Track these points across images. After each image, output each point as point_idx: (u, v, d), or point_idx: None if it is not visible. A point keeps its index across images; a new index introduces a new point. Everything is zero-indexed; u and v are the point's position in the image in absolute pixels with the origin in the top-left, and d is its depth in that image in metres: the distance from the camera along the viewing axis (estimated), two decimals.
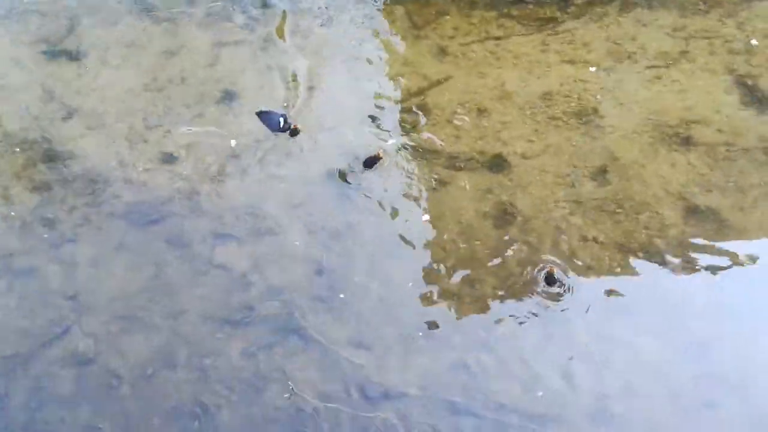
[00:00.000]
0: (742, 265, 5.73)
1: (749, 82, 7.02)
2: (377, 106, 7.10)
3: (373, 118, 6.97)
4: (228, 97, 7.23)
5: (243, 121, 6.98)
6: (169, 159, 6.71)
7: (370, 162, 6.49)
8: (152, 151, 6.79)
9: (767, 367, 5.11)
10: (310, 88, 7.30)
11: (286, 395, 5.22)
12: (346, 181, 6.43)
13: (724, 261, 5.76)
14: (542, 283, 5.67)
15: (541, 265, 5.79)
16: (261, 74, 7.44)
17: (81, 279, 5.89)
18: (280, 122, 6.81)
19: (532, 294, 5.65)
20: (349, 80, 7.35)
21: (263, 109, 6.96)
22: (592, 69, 7.23)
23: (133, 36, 7.86)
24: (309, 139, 6.80)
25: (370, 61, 7.52)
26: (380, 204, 6.30)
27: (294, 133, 6.77)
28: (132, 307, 5.72)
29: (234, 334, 5.55)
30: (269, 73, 7.45)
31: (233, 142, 6.78)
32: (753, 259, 5.77)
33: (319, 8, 8.08)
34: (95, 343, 5.54)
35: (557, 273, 5.63)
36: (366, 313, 5.62)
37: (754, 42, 6.84)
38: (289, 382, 5.27)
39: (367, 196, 6.35)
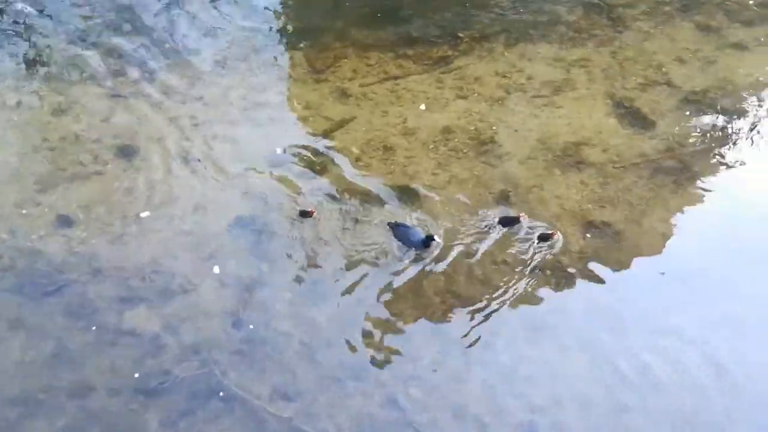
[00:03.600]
0: (637, 273, 6.14)
1: (626, 104, 7.68)
2: (283, 151, 7.09)
3: (280, 163, 6.96)
4: (127, 152, 6.98)
5: (146, 175, 6.75)
6: (65, 222, 6.33)
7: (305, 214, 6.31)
8: (46, 215, 6.38)
9: (668, 370, 5.44)
10: (213, 137, 7.19)
11: None
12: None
13: (621, 270, 6.15)
14: (536, 241, 6.20)
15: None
16: (161, 126, 7.25)
17: None
18: (420, 239, 6.09)
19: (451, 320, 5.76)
20: (251, 127, 7.31)
21: (398, 221, 6.29)
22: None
23: (20, 96, 7.45)
24: (214, 189, 6.66)
25: (272, 107, 7.54)
26: (294, 249, 6.24)
27: (428, 241, 6.06)
28: (32, 388, 5.24)
29: (150, 404, 5.21)
30: (169, 125, 7.28)
31: (144, 214, 6.43)
32: (647, 266, 6.20)
33: (216, 58, 8.05)
34: None
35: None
36: (290, 362, 5.47)
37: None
38: None
39: (279, 242, 6.27)
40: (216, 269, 6.02)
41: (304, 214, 6.40)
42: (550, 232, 6.23)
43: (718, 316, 5.79)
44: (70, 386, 5.27)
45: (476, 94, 7.76)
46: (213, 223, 6.39)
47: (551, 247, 6.20)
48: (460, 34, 8.45)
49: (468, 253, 6.21)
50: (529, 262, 6.13)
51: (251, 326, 5.66)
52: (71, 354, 5.45)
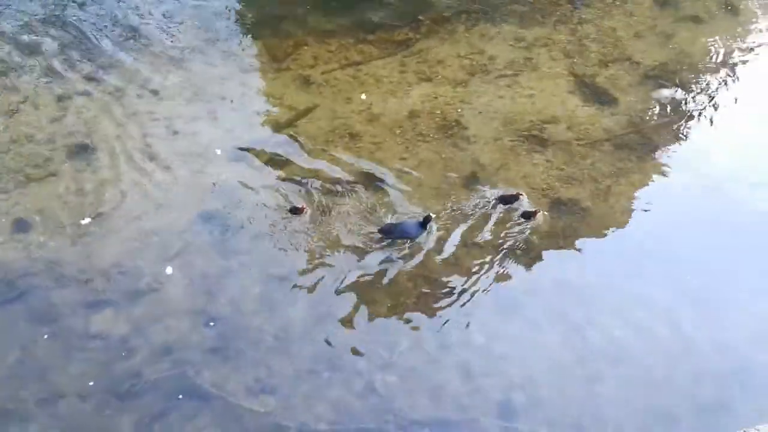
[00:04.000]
0: (605, 247, 6.22)
1: (587, 81, 7.74)
2: (247, 142, 6.95)
3: (243, 155, 6.82)
4: (83, 150, 6.74)
5: (104, 174, 6.54)
6: (22, 227, 6.10)
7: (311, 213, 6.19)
8: (2, 221, 6.13)
9: (637, 339, 5.54)
10: (175, 132, 7.00)
11: None
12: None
13: (589, 245, 6.22)
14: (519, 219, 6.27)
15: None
16: (117, 123, 7.03)
17: None
18: (418, 225, 6.05)
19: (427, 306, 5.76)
20: (213, 119, 7.14)
21: (390, 221, 6.18)
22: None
23: None
24: (177, 186, 6.50)
25: (233, 99, 7.37)
26: (262, 242, 6.13)
27: (426, 222, 6.03)
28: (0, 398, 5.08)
29: (123, 408, 5.09)
30: (126, 121, 7.05)
31: (105, 215, 6.20)
32: (613, 239, 6.28)
33: (173, 50, 7.82)
34: None
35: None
36: (264, 357, 5.40)
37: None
38: None
39: (247, 237, 6.16)
40: (183, 267, 5.88)
41: (295, 210, 6.25)
42: (533, 210, 6.27)
43: (683, 285, 5.91)
44: (39, 394, 5.11)
45: (440, 77, 7.72)
46: (177, 221, 6.24)
47: (534, 224, 6.24)
48: (421, 17, 8.38)
49: (441, 237, 6.20)
50: (501, 242, 6.15)
51: (222, 323, 5.57)
52: (38, 361, 5.28)
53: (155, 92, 7.36)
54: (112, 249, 6.01)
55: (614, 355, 5.42)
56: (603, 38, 8.28)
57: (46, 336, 5.42)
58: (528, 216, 6.26)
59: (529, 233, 6.23)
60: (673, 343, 5.48)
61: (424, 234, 6.12)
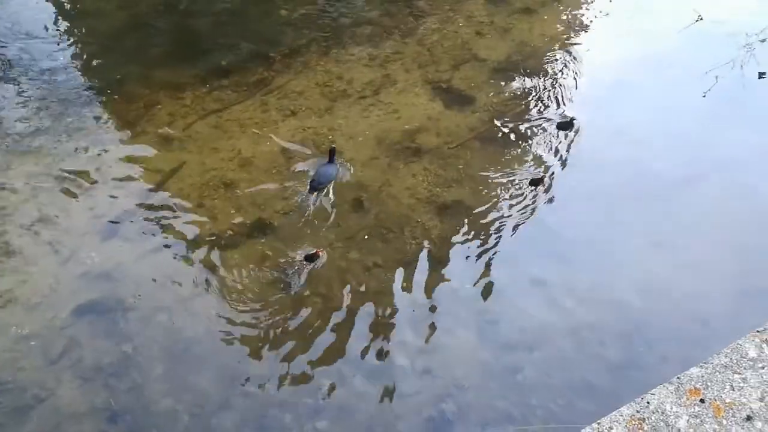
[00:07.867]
0: (493, 240, 6.47)
1: (444, 86, 8.06)
2: (114, 218, 6.50)
3: (114, 231, 6.38)
4: None
5: None
6: None
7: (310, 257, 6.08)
8: None
9: (543, 319, 5.78)
10: (30, 224, 6.40)
11: None
12: None
13: (479, 243, 6.44)
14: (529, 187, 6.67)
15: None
16: None
17: None
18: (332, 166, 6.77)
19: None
20: (72, 202, 6.61)
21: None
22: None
23: None
24: (48, 280, 5.94)
25: (90, 174, 6.88)
26: (154, 318, 5.74)
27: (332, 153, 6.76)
28: None
29: None
30: None
31: None
32: (498, 233, 6.54)
33: (14, 138, 7.17)
34: None
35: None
36: None
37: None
38: None
39: (136, 316, 5.75)
40: (71, 365, 5.36)
41: (310, 258, 6.07)
42: (540, 176, 6.76)
43: (569, 260, 6.25)
44: None
45: (304, 109, 7.70)
46: (56, 318, 5.69)
47: (544, 191, 6.70)
48: (271, 54, 8.33)
49: (339, 264, 6.14)
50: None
51: (129, 415, 5.13)
52: None
53: (1, 186, 6.70)
54: None
55: (526, 341, 5.61)
56: (448, 43, 8.68)
57: None
58: (537, 183, 6.66)
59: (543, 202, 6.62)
60: (576, 316, 5.78)
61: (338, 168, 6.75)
